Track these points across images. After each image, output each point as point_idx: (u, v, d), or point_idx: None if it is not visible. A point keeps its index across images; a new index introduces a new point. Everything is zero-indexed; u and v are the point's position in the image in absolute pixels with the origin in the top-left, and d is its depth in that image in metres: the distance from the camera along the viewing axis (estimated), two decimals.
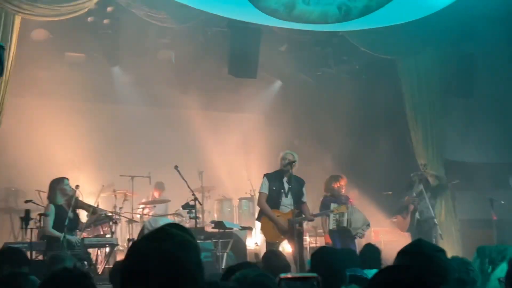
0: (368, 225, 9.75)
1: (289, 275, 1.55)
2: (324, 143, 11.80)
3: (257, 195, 9.01)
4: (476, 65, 12.16)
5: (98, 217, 8.86)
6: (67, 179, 8.39)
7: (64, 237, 7.64)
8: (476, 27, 11.89)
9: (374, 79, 11.47)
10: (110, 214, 9.31)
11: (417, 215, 9.92)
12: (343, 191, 9.81)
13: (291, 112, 12.77)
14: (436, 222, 9.53)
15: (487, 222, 10.65)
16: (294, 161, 8.45)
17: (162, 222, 9.16)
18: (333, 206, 9.45)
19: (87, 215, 8.88)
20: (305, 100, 12.48)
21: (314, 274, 1.59)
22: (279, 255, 5.40)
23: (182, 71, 11.80)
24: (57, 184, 8.21)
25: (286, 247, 8.85)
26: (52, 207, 8.07)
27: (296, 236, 8.24)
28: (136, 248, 1.86)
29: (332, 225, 9.54)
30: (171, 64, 11.56)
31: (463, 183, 11.61)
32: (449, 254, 9.78)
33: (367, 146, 11.55)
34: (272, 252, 5.73)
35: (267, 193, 8.55)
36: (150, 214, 11.44)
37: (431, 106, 11.83)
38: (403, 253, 3.01)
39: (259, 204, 8.67)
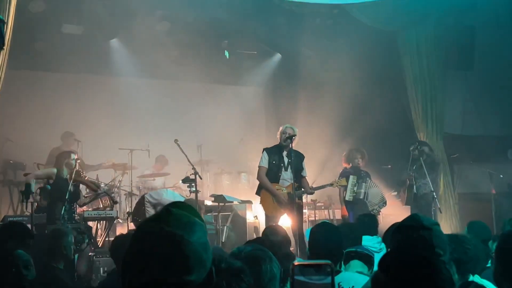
0: (385, 202, 9.81)
1: (302, 262, 1.53)
2: (324, 116, 11.74)
3: (256, 169, 8.99)
4: (476, 38, 12.08)
5: (99, 193, 8.91)
6: (74, 153, 8.54)
7: (65, 210, 7.65)
8: (477, 0, 11.81)
9: (374, 52, 11.38)
10: (112, 193, 9.33)
11: (414, 190, 9.92)
12: (362, 166, 9.87)
13: (290, 85, 12.70)
14: (435, 196, 9.53)
15: (485, 195, 10.69)
16: (294, 135, 8.41)
17: (165, 195, 9.21)
18: (352, 178, 9.53)
19: (87, 190, 8.92)
20: (305, 73, 12.39)
21: (328, 262, 1.56)
22: (279, 230, 5.41)
23: (181, 43, 11.69)
24: (64, 158, 8.29)
25: (285, 222, 8.87)
26: (54, 170, 8.14)
27: (296, 210, 8.25)
28: (141, 229, 1.82)
29: (348, 196, 9.63)
30: (169, 36, 11.47)
31: (462, 157, 11.62)
32: (448, 228, 9.84)
33: (366, 120, 11.49)
34: (271, 228, 5.74)
35: (266, 167, 8.53)
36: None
37: (431, 79, 11.78)
38: (399, 228, 3.05)
39: (258, 178, 8.65)
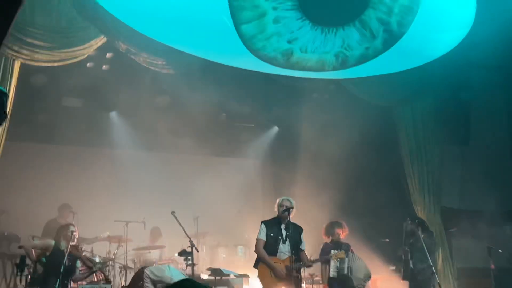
0: (370, 276, 9.65)
1: None
2: (322, 190, 11.74)
3: (253, 241, 8.89)
4: (472, 113, 12.27)
5: (93, 271, 8.79)
6: (73, 225, 8.51)
7: (59, 283, 7.52)
8: (472, 76, 12.07)
9: (371, 126, 11.51)
10: (106, 271, 9.20)
11: (410, 265, 9.78)
12: (343, 238, 9.76)
13: (287, 158, 12.76)
14: (435, 271, 9.39)
15: (484, 270, 10.54)
16: (291, 207, 8.39)
17: (167, 272, 9.08)
18: (333, 252, 9.38)
19: (81, 265, 8.81)
20: (302, 146, 12.48)
21: None
22: None
23: (179, 116, 11.82)
24: (63, 230, 8.26)
25: None
26: (52, 242, 8.08)
27: (294, 284, 8.12)
28: None
29: (332, 273, 9.43)
30: (168, 109, 11.61)
31: (459, 231, 11.55)
32: None
33: (364, 193, 11.52)
34: None
35: (264, 239, 8.45)
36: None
37: (427, 153, 11.89)
38: None
39: (256, 251, 8.55)
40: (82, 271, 8.96)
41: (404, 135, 11.97)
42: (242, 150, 13.45)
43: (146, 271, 9.28)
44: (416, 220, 10.13)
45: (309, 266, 8.87)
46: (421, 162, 11.85)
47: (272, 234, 8.46)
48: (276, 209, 8.64)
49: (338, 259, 9.22)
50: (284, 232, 8.47)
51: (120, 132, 12.09)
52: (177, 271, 9.54)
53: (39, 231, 10.54)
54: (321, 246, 9.82)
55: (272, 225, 8.55)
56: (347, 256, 9.40)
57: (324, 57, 10.41)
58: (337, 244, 9.65)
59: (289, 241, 8.28)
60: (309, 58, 10.39)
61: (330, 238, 9.76)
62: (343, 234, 9.75)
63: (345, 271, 9.40)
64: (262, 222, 8.63)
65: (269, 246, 8.41)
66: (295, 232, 8.49)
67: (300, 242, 8.59)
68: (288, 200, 8.59)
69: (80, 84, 10.84)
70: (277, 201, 8.67)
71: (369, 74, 11.06)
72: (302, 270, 8.98)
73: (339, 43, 10.13)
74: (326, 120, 11.97)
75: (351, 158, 11.55)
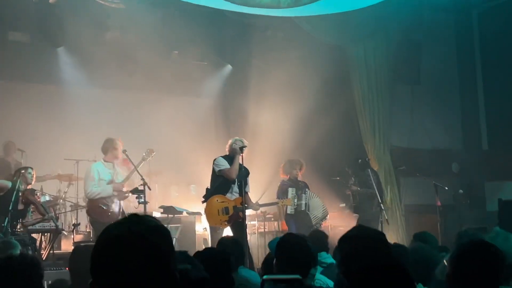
0: (327, 215, 9.87)
1: (272, 277, 1.47)
2: (274, 129, 11.78)
3: (206, 180, 8.87)
4: (422, 53, 12.39)
5: (45, 219, 8.67)
6: (32, 168, 8.37)
7: (8, 222, 7.41)
8: (423, 16, 12.12)
9: (324, 66, 11.49)
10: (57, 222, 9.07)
11: (358, 200, 10.07)
12: (300, 176, 9.91)
13: (240, 97, 12.69)
14: (383, 208, 9.65)
15: (431, 207, 10.90)
16: (245, 146, 8.41)
17: None
18: (291, 191, 9.54)
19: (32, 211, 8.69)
20: (255, 85, 12.40)
21: (298, 276, 1.51)
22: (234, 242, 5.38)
23: (129, 53, 11.55)
24: (22, 171, 8.11)
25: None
26: (9, 183, 7.94)
27: (240, 224, 8.21)
28: (108, 232, 1.79)
29: (290, 210, 9.60)
30: (118, 46, 11.32)
31: (408, 169, 11.83)
32: (395, 239, 9.98)
33: (315, 132, 11.59)
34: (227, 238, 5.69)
35: (228, 167, 8.41)
36: None
37: (378, 93, 12.01)
38: (345, 239, 3.09)
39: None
40: (34, 217, 8.84)
41: (357, 75, 12.04)
42: (195, 89, 13.27)
43: None
44: (366, 159, 10.35)
45: (256, 209, 9.01)
46: (372, 102, 11.97)
47: None
48: (227, 149, 8.63)
49: (296, 198, 9.42)
50: None
51: (68, 69, 11.73)
52: None
53: None
54: (279, 184, 9.95)
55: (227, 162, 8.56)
56: (304, 193, 9.58)
57: None
58: (294, 182, 9.79)
59: (237, 181, 8.35)
60: None
61: (288, 176, 9.88)
62: (300, 172, 9.89)
63: (303, 208, 9.60)
64: (220, 156, 8.60)
65: (224, 184, 8.43)
66: (245, 174, 8.56)
67: (246, 184, 8.65)
68: (241, 141, 8.59)
69: (27, 18, 10.44)
70: (229, 141, 8.66)
71: (323, 12, 10.97)
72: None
73: None
74: (280, 59, 11.89)
75: (304, 98, 11.56)
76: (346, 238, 3.11)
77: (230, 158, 8.53)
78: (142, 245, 1.71)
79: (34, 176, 8.56)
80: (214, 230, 8.37)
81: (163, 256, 1.74)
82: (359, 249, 2.93)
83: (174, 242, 8.89)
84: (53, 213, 8.88)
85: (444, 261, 3.83)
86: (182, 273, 1.85)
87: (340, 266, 2.97)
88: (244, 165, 8.59)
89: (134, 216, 1.83)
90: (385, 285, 1.83)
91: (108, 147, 8.78)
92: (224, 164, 8.46)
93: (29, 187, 8.52)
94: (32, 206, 8.57)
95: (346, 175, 10.54)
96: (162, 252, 1.74)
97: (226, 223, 8.32)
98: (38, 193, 8.78)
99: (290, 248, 4.01)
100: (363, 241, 2.99)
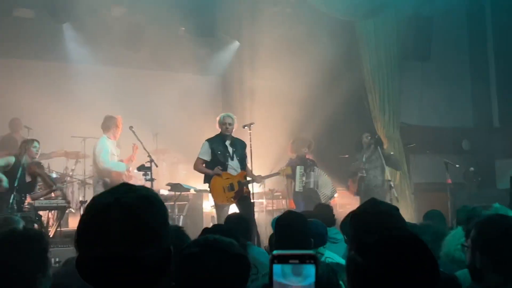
0: (335, 193, 9.75)
1: (283, 252, 1.35)
2: (281, 106, 11.65)
3: None
4: (433, 29, 12.17)
5: (53, 190, 8.61)
6: (38, 141, 8.27)
7: (14, 198, 7.34)
8: None
9: (333, 42, 11.33)
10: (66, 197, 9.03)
11: (365, 182, 9.86)
12: (308, 154, 9.81)
13: (248, 74, 12.54)
14: (392, 185, 9.52)
15: (441, 185, 10.76)
16: (252, 123, 8.36)
17: None
18: (299, 168, 9.44)
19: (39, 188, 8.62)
20: (263, 62, 12.25)
21: (311, 252, 1.39)
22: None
23: (135, 29, 11.40)
24: (27, 144, 8.01)
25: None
26: (12, 159, 7.84)
27: (245, 199, 8.16)
28: (95, 200, 1.68)
29: (298, 187, 9.53)
30: (124, 22, 11.18)
31: (418, 147, 11.70)
32: (404, 218, 9.85)
33: (323, 108, 11.46)
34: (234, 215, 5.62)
35: (205, 158, 8.41)
36: None
37: (388, 69, 11.84)
38: (358, 214, 2.99)
39: (194, 167, 8.51)
40: (41, 189, 8.79)
41: (366, 51, 11.85)
42: (202, 66, 13.14)
43: None
44: (376, 136, 10.19)
45: (259, 181, 8.93)
46: (382, 79, 11.81)
47: (219, 152, 8.41)
48: (218, 127, 8.54)
49: (305, 175, 9.31)
50: (230, 149, 8.45)
51: (73, 45, 11.60)
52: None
53: None
54: (287, 162, 9.86)
55: (217, 143, 8.47)
56: (313, 171, 9.48)
57: None
58: (302, 160, 9.69)
59: (236, 157, 8.26)
60: None
61: (296, 154, 9.79)
62: (308, 150, 9.79)
63: (311, 185, 9.50)
64: (206, 140, 8.54)
65: (219, 164, 8.35)
66: (241, 147, 8.48)
67: (245, 157, 8.57)
68: (230, 117, 8.52)
69: None
70: (218, 118, 8.59)
71: None
72: (261, 186, 9.05)
73: None
74: (288, 34, 11.72)
75: (313, 74, 11.40)
76: (359, 213, 3.01)
77: (220, 137, 8.44)
78: (128, 216, 1.60)
79: (39, 149, 8.43)
80: (220, 207, 8.32)
81: (153, 228, 1.63)
82: (372, 224, 2.83)
83: (181, 219, 8.93)
84: (61, 184, 8.80)
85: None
86: (176, 247, 1.75)
87: (351, 242, 2.86)
88: (251, 142, 8.51)
89: (123, 185, 1.72)
90: (404, 257, 1.72)
91: (110, 125, 8.70)
92: (201, 154, 8.46)
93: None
94: (39, 180, 8.49)
95: (355, 153, 10.39)
96: (150, 223, 1.63)
97: (232, 199, 8.25)
98: (43, 164, 8.68)
99: (287, 226, 3.95)
100: (376, 216, 2.90)
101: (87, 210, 1.67)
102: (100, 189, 8.38)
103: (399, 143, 11.71)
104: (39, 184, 8.73)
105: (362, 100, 11.97)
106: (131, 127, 8.72)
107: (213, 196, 8.46)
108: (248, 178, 8.50)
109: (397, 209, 3.07)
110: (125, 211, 1.60)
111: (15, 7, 10.84)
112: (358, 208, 3.15)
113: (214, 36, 11.09)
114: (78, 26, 11.36)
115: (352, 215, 3.10)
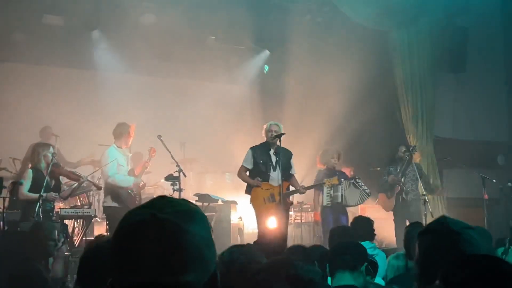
0: (368, 194, 9.41)
1: None
2: (312, 117, 11.45)
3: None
4: (469, 40, 11.87)
5: (81, 184, 8.47)
6: (53, 146, 8.15)
7: (39, 206, 7.21)
8: (470, 1, 11.60)
9: (365, 52, 11.10)
10: (92, 182, 8.89)
11: (403, 195, 9.53)
12: (338, 166, 9.55)
13: (278, 83, 12.37)
14: (427, 200, 9.18)
15: (475, 200, 10.43)
16: (282, 134, 8.11)
17: None
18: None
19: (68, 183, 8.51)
20: (293, 71, 12.06)
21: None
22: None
23: (165, 38, 11.31)
24: (43, 150, 7.85)
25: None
26: (30, 172, 7.67)
27: (285, 210, 7.95)
28: (129, 218, 1.40)
29: (326, 201, 9.25)
30: (154, 30, 11.09)
31: (452, 161, 11.37)
32: None
33: (356, 122, 11.22)
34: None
35: (248, 167, 8.21)
36: None
37: (421, 81, 11.58)
38: (427, 232, 2.69)
39: (238, 175, 8.36)
40: (68, 185, 8.64)
41: (399, 62, 11.59)
42: (231, 75, 13.01)
43: None
44: (411, 148, 9.88)
45: (303, 192, 8.65)
46: (415, 90, 11.54)
47: (262, 161, 8.21)
48: (264, 135, 8.36)
49: (332, 186, 9.01)
50: (274, 158, 8.23)
51: (102, 53, 11.54)
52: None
53: (19, 152, 10.17)
54: (316, 174, 9.62)
55: (260, 151, 8.28)
56: (340, 184, 9.19)
57: None
58: (331, 172, 9.42)
59: (280, 167, 8.02)
60: None
61: (325, 165, 9.54)
62: (338, 162, 9.53)
63: (339, 200, 9.22)
64: (250, 148, 8.36)
65: (260, 173, 8.16)
66: (285, 157, 8.24)
67: (290, 167, 8.36)
68: (276, 125, 8.32)
69: (61, 0, 10.28)
70: (265, 126, 8.41)
71: None
72: (291, 196, 8.81)
73: None
74: (319, 44, 11.53)
75: (344, 85, 11.18)
76: (429, 231, 2.66)
77: (265, 146, 8.25)
78: (167, 235, 1.35)
79: (55, 154, 8.16)
80: (260, 217, 8.07)
81: (196, 249, 1.37)
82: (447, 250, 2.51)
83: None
84: (87, 176, 8.59)
85: None
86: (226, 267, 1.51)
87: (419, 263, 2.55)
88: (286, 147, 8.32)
89: (160, 198, 1.46)
90: None
91: (122, 133, 8.50)
92: (245, 162, 8.27)
93: None
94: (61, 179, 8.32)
95: (388, 166, 10.06)
96: (193, 244, 1.37)
97: (272, 210, 8.02)
98: (60, 164, 8.51)
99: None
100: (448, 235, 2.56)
101: (119, 227, 1.42)
102: (109, 202, 8.21)
103: (432, 157, 11.40)
104: (65, 182, 8.62)
105: (395, 112, 11.69)
106: (159, 136, 8.56)
107: (253, 207, 8.26)
108: (292, 188, 8.28)
109: (470, 227, 2.74)
110: (163, 229, 1.36)
111: (44, 14, 10.81)
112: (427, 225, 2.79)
113: (244, 46, 10.93)
114: (107, 34, 11.31)
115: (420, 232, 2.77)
